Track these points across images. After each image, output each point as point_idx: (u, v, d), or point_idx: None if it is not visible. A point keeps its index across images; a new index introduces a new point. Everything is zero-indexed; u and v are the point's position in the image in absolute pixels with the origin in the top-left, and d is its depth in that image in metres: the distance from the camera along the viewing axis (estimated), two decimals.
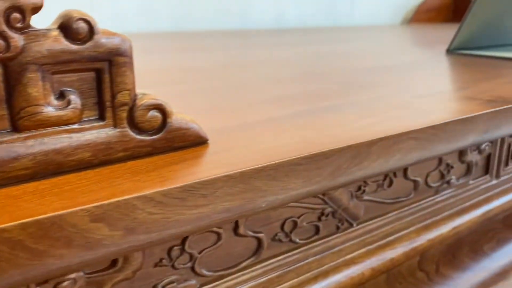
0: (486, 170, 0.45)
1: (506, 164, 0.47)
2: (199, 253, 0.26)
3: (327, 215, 0.32)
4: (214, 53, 0.69)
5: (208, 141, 0.22)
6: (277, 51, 0.72)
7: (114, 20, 1.15)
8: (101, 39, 0.17)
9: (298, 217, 0.30)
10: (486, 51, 0.64)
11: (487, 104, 0.32)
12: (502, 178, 0.46)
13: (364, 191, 0.33)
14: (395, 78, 0.47)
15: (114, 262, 0.22)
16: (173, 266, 0.25)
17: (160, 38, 1.02)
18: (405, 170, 0.36)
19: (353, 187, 0.33)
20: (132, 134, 0.18)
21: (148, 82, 0.39)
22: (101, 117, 0.18)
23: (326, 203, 0.31)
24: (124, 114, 0.18)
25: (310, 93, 0.37)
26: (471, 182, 0.43)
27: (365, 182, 0.33)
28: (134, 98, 0.18)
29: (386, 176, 0.34)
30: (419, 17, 1.83)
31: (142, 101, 0.18)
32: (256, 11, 1.40)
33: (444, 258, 0.37)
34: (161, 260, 0.24)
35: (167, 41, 0.92)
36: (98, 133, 0.18)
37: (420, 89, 0.40)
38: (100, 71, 0.17)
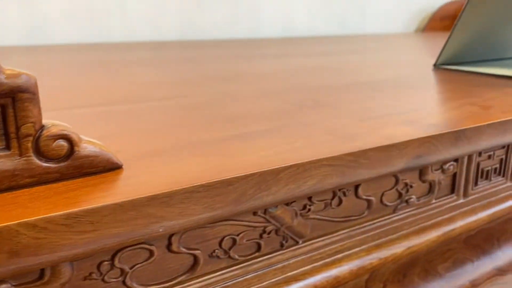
0: (452, 189, 0.45)
1: (476, 183, 0.47)
2: (131, 268, 0.27)
3: (269, 233, 0.33)
4: (198, 65, 0.71)
5: (123, 166, 0.23)
6: (261, 64, 0.73)
7: (123, 29, 1.19)
8: (4, 80, 0.19)
9: (237, 235, 0.31)
10: (473, 66, 0.64)
11: (425, 128, 0.32)
12: (470, 198, 0.46)
13: (309, 209, 0.34)
14: (360, 97, 0.47)
15: (41, 275, 0.24)
16: (103, 280, 0.27)
17: (164, 47, 1.05)
18: (356, 189, 0.36)
19: (298, 206, 0.34)
20: (38, 162, 0.20)
21: (105, 100, 0.41)
22: (7, 147, 0.20)
23: (268, 221, 0.32)
24: (29, 144, 0.20)
25: (256, 114, 0.38)
26: (434, 201, 0.43)
27: (310, 200, 0.34)
28: (39, 129, 0.20)
29: (334, 195, 0.35)
30: (433, 25, 1.81)
31: (47, 132, 0.20)
32: (264, 20, 1.41)
33: (393, 277, 0.37)
34: (90, 274, 0.26)
35: (167, 51, 0.94)
36: (4, 162, 0.19)
37: (370, 112, 0.41)
38: (4, 106, 0.19)
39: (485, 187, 0.48)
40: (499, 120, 0.36)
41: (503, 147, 0.49)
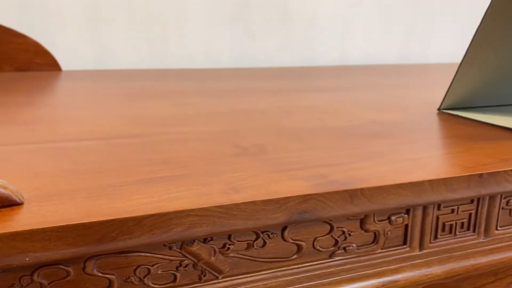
0: (405, 240, 0.46)
1: (435, 237, 0.47)
2: (49, 283, 0.33)
3: (185, 266, 0.37)
4: (206, 98, 0.77)
5: (23, 204, 0.29)
6: (272, 98, 0.77)
7: (180, 56, 1.29)
8: None
9: (152, 265, 0.36)
10: (478, 112, 0.62)
11: (322, 185, 0.34)
12: (427, 250, 0.46)
13: (229, 248, 0.38)
14: (316, 144, 0.49)
15: None
16: None
17: (214, 76, 1.13)
18: (282, 232, 0.39)
19: (217, 244, 0.37)
20: None
21: (81, 134, 0.47)
22: None
23: (184, 256, 0.37)
24: None
25: (190, 158, 0.43)
26: (380, 250, 0.44)
27: (230, 240, 0.38)
28: None
29: (257, 236, 0.38)
30: None
31: None
32: (319, 48, 1.44)
33: None
34: (12, 285, 0.32)
35: (204, 81, 1.01)
36: None
37: (297, 162, 0.42)
38: None
39: (448, 241, 0.47)
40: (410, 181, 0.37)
41: (472, 201, 0.48)
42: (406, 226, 0.45)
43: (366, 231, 0.43)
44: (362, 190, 0.34)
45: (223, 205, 0.30)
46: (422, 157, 0.45)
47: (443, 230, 0.47)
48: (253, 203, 0.31)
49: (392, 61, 1.54)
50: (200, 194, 0.32)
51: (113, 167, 0.39)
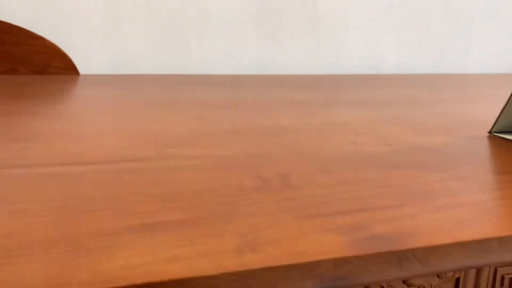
0: None
1: None
2: None
3: None
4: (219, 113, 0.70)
5: None
6: (299, 112, 0.70)
7: (202, 62, 1.23)
8: None
9: None
10: None
11: (362, 243, 0.27)
12: None
13: None
14: (346, 177, 0.42)
15: None
16: None
17: (237, 84, 1.06)
18: None
19: None
20: None
21: (80, 158, 0.41)
22: None
23: None
24: None
25: (205, 192, 0.36)
26: None
27: None
28: None
29: None
30: None
31: None
32: (348, 55, 1.36)
33: None
34: None
35: (220, 89, 0.95)
36: None
37: (328, 206, 0.36)
38: None
39: None
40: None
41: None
42: (457, 280, 0.37)
43: (409, 286, 0.36)
44: (413, 251, 0.27)
45: (234, 272, 0.23)
46: (481, 201, 0.37)
47: (501, 284, 0.39)
48: (274, 269, 0.24)
49: (427, 70, 1.44)
50: (206, 252, 0.25)
51: (106, 204, 0.32)
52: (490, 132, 0.57)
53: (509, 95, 0.53)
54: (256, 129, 0.58)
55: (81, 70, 1.10)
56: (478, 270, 0.38)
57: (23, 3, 1.08)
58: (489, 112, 0.64)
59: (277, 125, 0.61)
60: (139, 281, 0.22)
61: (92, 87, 0.95)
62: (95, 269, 0.24)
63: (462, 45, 1.48)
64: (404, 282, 0.35)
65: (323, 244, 0.27)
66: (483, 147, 0.54)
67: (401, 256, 0.26)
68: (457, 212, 0.34)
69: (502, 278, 0.39)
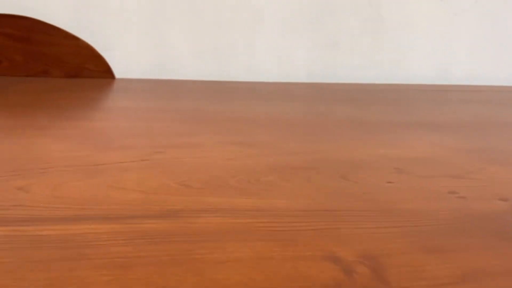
0: None
1: None
2: None
3: None
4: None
5: None
6: (369, 138, 0.56)
7: (249, 68, 1.11)
8: None
9: None
10: None
11: None
12: None
13: None
14: (498, 253, 0.29)
15: None
16: None
17: (288, 95, 0.94)
18: None
19: None
20: None
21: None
22: None
23: None
24: None
25: None
26: None
27: None
28: None
29: None
30: None
31: None
32: (413, 63, 1.20)
33: None
34: None
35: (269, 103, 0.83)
36: None
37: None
38: None
39: None
40: None
41: None
42: None
43: None
44: None
45: None
46: None
47: None
48: None
49: (504, 81, 1.26)
50: None
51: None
52: None
53: None
54: (315, 167, 0.46)
55: (117, 74, 1.01)
56: None
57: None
58: None
59: (345, 159, 0.48)
60: None
61: (124, 95, 0.86)
62: None
63: None
64: None
65: None
66: None
67: None
68: None
69: None
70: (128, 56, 1.05)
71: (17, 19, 0.92)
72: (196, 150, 0.48)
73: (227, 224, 0.31)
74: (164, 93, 0.89)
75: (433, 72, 1.23)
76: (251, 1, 1.10)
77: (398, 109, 0.80)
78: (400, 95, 1.01)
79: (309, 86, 1.09)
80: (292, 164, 0.45)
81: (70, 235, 0.28)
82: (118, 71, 1.01)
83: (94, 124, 0.61)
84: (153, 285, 0.24)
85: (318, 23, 1.14)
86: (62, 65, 0.96)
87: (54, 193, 0.35)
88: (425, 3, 1.19)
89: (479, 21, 1.23)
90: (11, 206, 0.32)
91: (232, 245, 0.29)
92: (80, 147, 0.48)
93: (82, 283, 0.24)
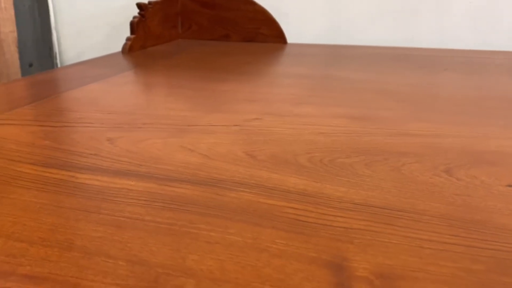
0: None
1: None
2: None
3: None
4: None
5: None
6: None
7: (436, 33, 0.97)
8: None
9: None
10: None
11: None
12: None
13: None
14: None
15: None
16: None
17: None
18: None
19: None
20: None
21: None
22: None
23: None
24: None
25: None
26: None
27: None
28: None
29: None
30: None
31: None
32: None
33: None
34: None
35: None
36: None
37: None
38: None
39: None
40: None
41: None
42: None
43: None
44: None
45: None
46: None
47: None
48: None
49: None
50: None
51: None
52: None
53: None
54: (425, 152, 0.37)
55: (291, 39, 1.01)
56: None
57: None
58: None
59: (470, 150, 0.38)
60: None
61: (290, 60, 0.85)
62: None
63: None
64: None
65: None
66: None
67: None
68: None
69: None
70: (304, 21, 1.04)
71: None
72: (295, 119, 0.45)
73: (255, 203, 0.29)
74: (328, 59, 0.86)
75: None
76: None
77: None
78: None
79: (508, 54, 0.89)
80: (393, 148, 0.38)
81: (103, 187, 0.30)
82: (293, 36, 1.02)
83: (231, 86, 0.63)
84: (134, 250, 0.24)
85: None
86: (240, 30, 1.02)
87: (131, 148, 0.38)
88: None
89: None
90: (90, 155, 0.36)
91: (235, 225, 0.26)
92: (196, 107, 0.50)
93: (74, 234, 0.25)
